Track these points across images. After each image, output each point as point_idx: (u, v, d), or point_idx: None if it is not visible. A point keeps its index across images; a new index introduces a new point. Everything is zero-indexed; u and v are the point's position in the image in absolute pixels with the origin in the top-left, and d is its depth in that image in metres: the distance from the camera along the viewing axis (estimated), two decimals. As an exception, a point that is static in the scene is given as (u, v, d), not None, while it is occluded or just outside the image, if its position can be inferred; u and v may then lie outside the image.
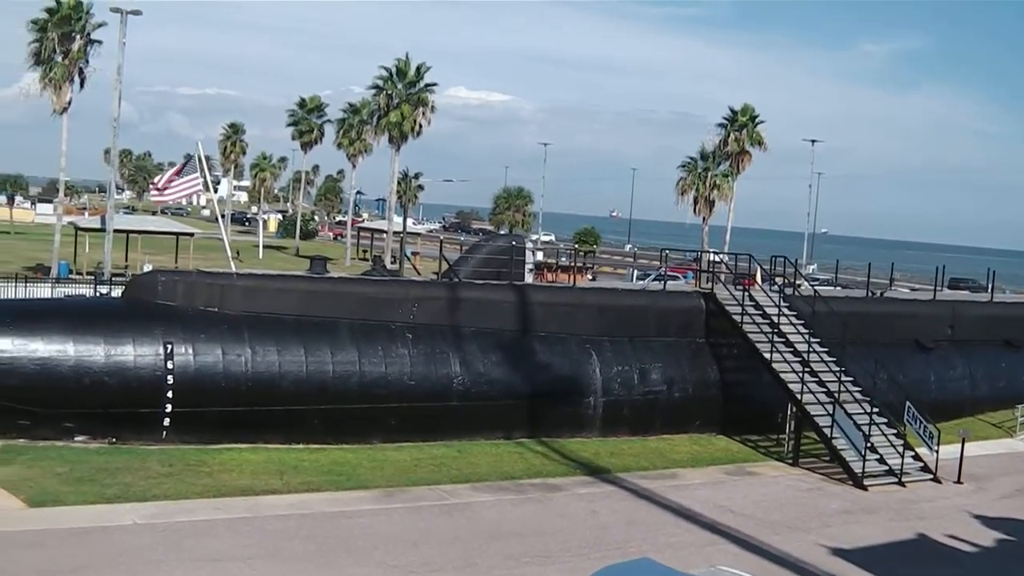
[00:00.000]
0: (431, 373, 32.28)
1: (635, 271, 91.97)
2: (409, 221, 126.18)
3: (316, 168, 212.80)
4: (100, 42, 68.05)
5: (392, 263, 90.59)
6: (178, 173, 37.42)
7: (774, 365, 34.73)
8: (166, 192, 37.15)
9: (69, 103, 67.80)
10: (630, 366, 35.53)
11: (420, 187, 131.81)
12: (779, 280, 42.33)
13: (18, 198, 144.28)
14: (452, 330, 33.38)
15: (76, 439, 28.61)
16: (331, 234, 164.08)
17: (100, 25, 67.55)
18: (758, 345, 35.45)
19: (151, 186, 39.77)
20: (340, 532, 23.25)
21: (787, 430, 34.83)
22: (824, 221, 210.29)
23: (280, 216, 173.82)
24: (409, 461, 29.86)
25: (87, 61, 67.91)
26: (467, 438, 32.51)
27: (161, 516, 23.32)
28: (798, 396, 33.70)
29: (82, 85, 68.71)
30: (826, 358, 35.56)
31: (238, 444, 29.69)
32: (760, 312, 36.89)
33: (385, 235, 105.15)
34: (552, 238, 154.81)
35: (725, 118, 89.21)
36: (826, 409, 33.25)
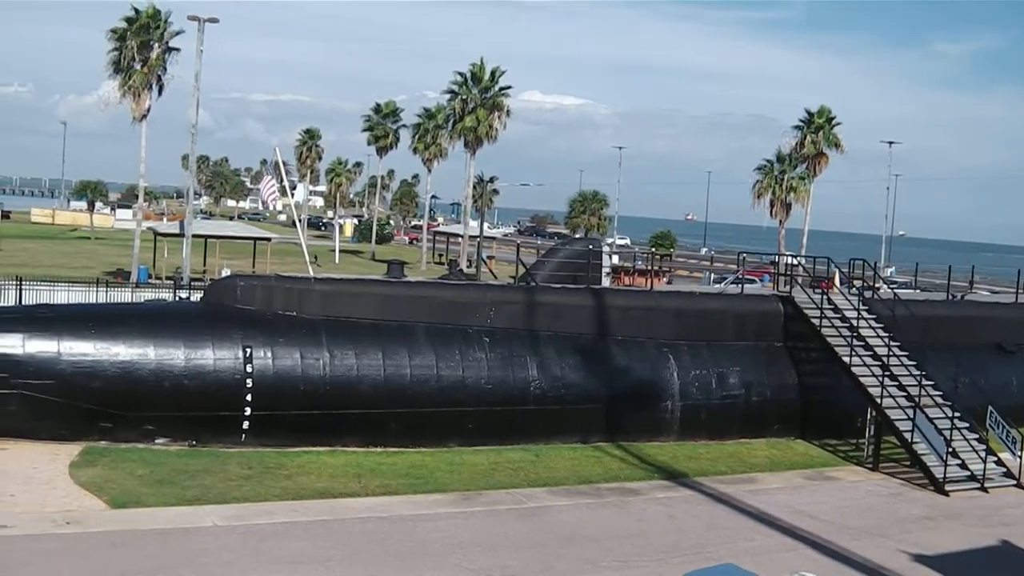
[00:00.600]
0: (508, 377, 32.25)
1: (712, 274, 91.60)
2: (484, 225, 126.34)
3: (391, 172, 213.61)
4: (178, 50, 68.97)
5: (468, 267, 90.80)
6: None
7: (853, 369, 34.36)
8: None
9: (148, 110, 68.73)
10: (708, 370, 35.30)
11: (495, 191, 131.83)
12: (857, 283, 41.89)
13: (97, 204, 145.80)
14: (529, 334, 33.32)
15: (157, 441, 28.88)
16: (406, 238, 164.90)
17: (178, 33, 68.53)
18: (837, 349, 35.10)
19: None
20: (418, 535, 23.30)
21: (867, 434, 34.45)
22: (901, 223, 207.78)
23: (356, 220, 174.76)
24: (486, 465, 29.87)
25: (165, 69, 68.78)
26: (544, 442, 32.46)
27: (240, 518, 23.50)
28: (878, 400, 33.31)
29: (160, 93, 69.66)
30: (906, 362, 35.14)
31: (316, 447, 29.83)
32: (839, 315, 36.53)
33: (460, 239, 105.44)
34: (627, 241, 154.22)
35: (801, 120, 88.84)
36: (906, 413, 32.82)
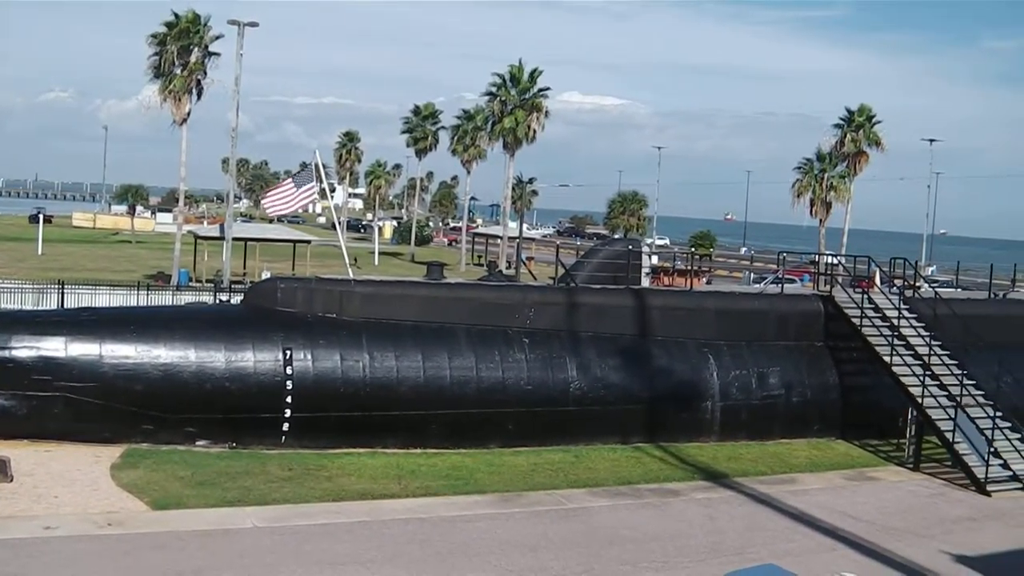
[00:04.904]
0: (548, 378, 32.23)
1: (751, 274, 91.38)
2: (523, 226, 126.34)
3: (430, 174, 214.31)
4: (218, 54, 69.18)
5: (507, 268, 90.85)
6: (293, 183, 37.82)
7: (894, 368, 34.16)
8: (283, 203, 37.61)
9: (188, 114, 68.95)
10: (748, 370, 35.18)
11: (534, 192, 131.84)
12: (898, 282, 41.67)
13: (138, 208, 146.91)
14: (569, 335, 33.28)
15: (198, 443, 29.00)
16: (445, 240, 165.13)
17: (218, 38, 68.71)
18: (878, 348, 34.91)
19: (265, 197, 40.35)
20: (458, 536, 23.32)
21: (907, 434, 34.25)
22: (943, 223, 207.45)
23: (395, 223, 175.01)
24: (527, 466, 29.86)
25: (205, 73, 69.03)
26: (584, 443, 32.41)
27: (281, 519, 23.58)
28: (919, 399, 33.09)
29: (199, 96, 69.85)
30: (947, 361, 34.88)
31: (356, 449, 29.91)
32: (880, 315, 36.32)
33: (500, 240, 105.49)
34: (667, 242, 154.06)
35: (842, 119, 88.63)
36: (948, 413, 32.60)
